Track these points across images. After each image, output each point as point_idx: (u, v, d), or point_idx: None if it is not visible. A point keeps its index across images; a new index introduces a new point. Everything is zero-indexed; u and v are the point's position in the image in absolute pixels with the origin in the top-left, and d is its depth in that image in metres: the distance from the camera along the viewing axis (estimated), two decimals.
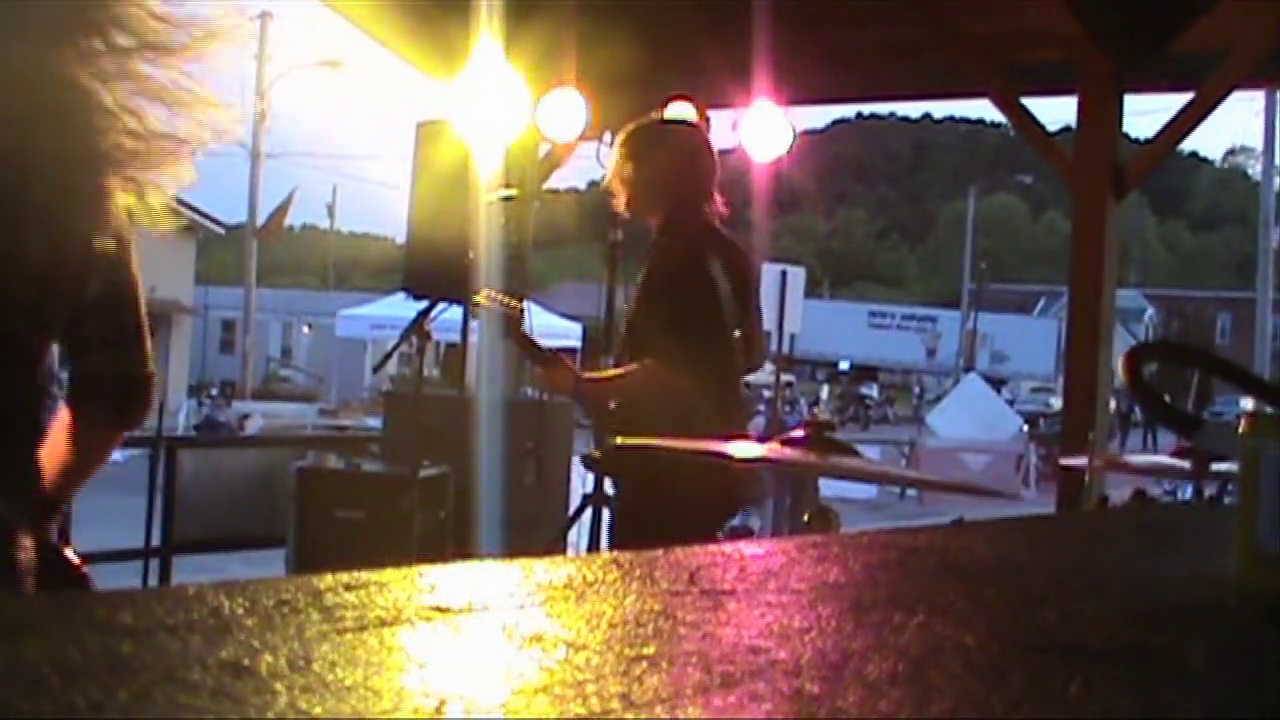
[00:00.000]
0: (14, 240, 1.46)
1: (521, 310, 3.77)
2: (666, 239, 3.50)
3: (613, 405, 3.58)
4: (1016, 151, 59.09)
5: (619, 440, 3.25)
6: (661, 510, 3.30)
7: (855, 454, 2.72)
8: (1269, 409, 0.94)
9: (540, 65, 5.38)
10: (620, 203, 3.61)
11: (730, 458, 2.52)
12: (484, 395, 5.98)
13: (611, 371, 3.66)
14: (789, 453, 2.40)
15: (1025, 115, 5.55)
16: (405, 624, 0.68)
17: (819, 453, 2.39)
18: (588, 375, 3.73)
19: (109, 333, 1.67)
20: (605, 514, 5.31)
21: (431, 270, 5.26)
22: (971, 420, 17.66)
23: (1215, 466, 3.27)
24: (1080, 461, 4.14)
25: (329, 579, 0.77)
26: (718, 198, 3.58)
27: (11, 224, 1.46)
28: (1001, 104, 5.69)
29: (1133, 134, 6.93)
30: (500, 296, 3.72)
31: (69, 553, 1.74)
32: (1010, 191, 67.89)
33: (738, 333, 3.50)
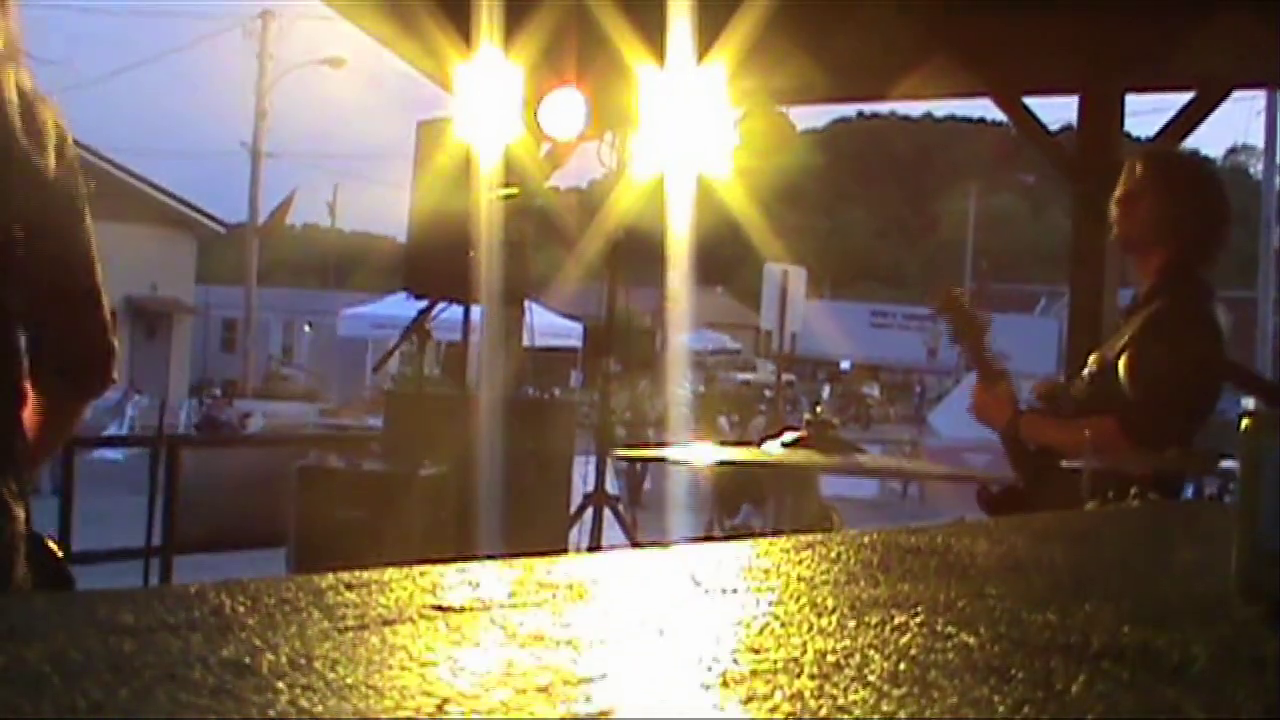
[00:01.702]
0: None
1: (987, 323, 3.25)
2: (1174, 284, 2.97)
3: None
4: (1018, 151, 59.01)
5: (620, 451, 3.03)
6: None
7: (860, 453, 2.69)
8: (1269, 407, 0.94)
9: (541, 64, 5.37)
10: (1122, 228, 3.12)
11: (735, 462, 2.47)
12: (484, 395, 5.97)
13: (1055, 422, 3.09)
14: (793, 455, 2.41)
15: (1026, 114, 5.55)
16: (406, 623, 0.68)
17: (824, 452, 2.40)
18: (1029, 413, 3.15)
19: (60, 291, 1.65)
20: (606, 513, 5.31)
21: (432, 269, 5.27)
22: (973, 420, 17.58)
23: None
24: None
25: (330, 578, 0.77)
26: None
27: None
28: (1002, 103, 5.68)
29: (1134, 133, 6.91)
30: (967, 302, 3.26)
31: (49, 543, 1.73)
32: (1011, 191, 67.80)
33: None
